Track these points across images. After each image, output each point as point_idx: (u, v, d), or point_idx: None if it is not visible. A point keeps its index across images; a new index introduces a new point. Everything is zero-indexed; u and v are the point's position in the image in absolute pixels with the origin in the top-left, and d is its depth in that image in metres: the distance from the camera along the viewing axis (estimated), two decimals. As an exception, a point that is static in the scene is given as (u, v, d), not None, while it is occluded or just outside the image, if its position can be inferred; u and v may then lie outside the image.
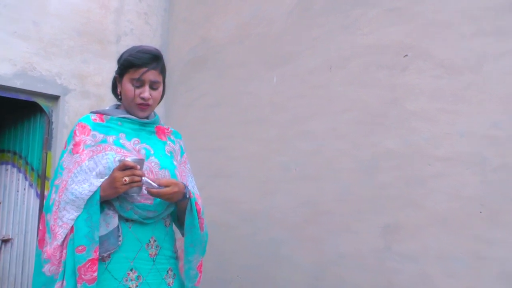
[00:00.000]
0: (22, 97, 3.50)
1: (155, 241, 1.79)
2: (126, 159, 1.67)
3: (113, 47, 3.92)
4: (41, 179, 3.61)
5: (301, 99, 2.98)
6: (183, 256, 1.89)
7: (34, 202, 3.67)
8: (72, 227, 1.65)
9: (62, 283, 1.63)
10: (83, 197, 1.66)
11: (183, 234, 1.94)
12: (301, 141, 2.94)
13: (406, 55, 2.46)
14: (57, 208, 1.69)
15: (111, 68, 3.75)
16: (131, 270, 1.72)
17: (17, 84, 3.37)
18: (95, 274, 1.61)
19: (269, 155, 3.14)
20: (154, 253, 1.78)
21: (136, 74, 1.80)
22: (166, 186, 1.70)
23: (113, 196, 1.68)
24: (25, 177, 3.82)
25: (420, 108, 2.36)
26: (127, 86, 1.82)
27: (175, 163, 1.92)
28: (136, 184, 1.65)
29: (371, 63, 2.61)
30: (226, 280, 3.30)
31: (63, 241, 1.65)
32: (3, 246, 3.88)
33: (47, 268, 1.66)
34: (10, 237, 3.83)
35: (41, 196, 3.60)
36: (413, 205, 2.33)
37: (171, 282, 1.83)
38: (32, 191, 3.70)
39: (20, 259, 3.69)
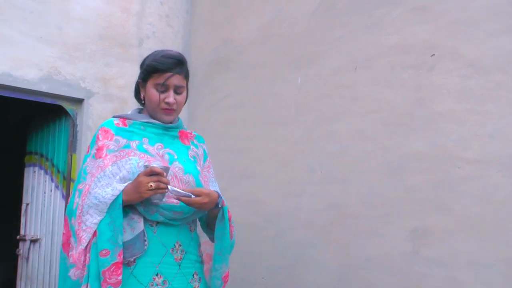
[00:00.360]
0: (48, 100, 3.55)
1: (180, 245, 1.80)
2: (153, 165, 1.67)
3: (135, 50, 3.93)
4: (66, 180, 3.66)
5: (326, 99, 2.94)
6: (210, 262, 1.89)
7: (60, 204, 3.72)
8: (95, 231, 1.66)
9: (87, 286, 1.64)
10: (105, 201, 1.66)
11: (211, 240, 1.94)
12: (326, 142, 2.90)
13: (433, 54, 2.40)
14: (81, 212, 1.70)
15: (134, 71, 3.77)
16: (157, 274, 1.72)
17: (43, 88, 3.42)
18: (120, 277, 1.62)
19: (294, 156, 3.11)
20: (179, 257, 1.78)
21: (161, 79, 1.79)
22: (197, 195, 1.70)
23: (137, 201, 1.68)
24: (52, 179, 3.87)
25: (448, 109, 2.30)
26: (152, 91, 1.82)
27: (198, 168, 1.92)
28: (161, 190, 1.65)
29: (396, 63, 2.56)
30: (251, 281, 3.29)
31: (87, 246, 1.66)
32: (31, 246, 3.95)
33: (72, 273, 1.68)
34: (38, 237, 3.89)
35: (67, 198, 3.65)
36: (441, 208, 2.28)
37: (197, 286, 1.84)
38: (58, 193, 3.75)
39: (48, 259, 3.75)
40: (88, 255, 1.66)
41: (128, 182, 1.71)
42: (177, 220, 1.79)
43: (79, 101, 3.67)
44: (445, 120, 2.31)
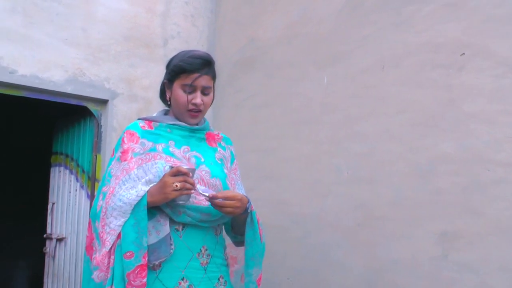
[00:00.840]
0: (73, 102, 3.60)
1: (206, 250, 1.78)
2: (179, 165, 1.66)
3: (160, 51, 3.94)
4: (91, 181, 3.70)
5: (352, 99, 2.90)
6: (236, 265, 1.88)
7: (85, 203, 3.76)
8: (119, 233, 1.65)
9: None
10: (130, 202, 1.65)
11: (236, 244, 1.92)
12: (353, 143, 2.86)
13: (463, 53, 2.34)
14: (105, 215, 1.69)
15: (159, 71, 3.78)
16: (182, 279, 1.71)
17: (68, 89, 3.46)
18: (145, 280, 1.61)
19: (320, 156, 3.08)
20: (205, 262, 1.77)
21: (188, 80, 1.77)
22: (231, 199, 1.68)
23: (162, 202, 1.66)
24: (77, 179, 3.91)
25: (479, 110, 2.24)
26: (179, 92, 1.79)
27: (225, 171, 1.90)
28: (186, 191, 1.63)
29: (425, 62, 2.51)
30: (276, 282, 3.27)
31: (111, 248, 1.65)
32: (57, 244, 4.00)
33: (96, 275, 1.67)
34: (64, 236, 3.94)
35: (91, 197, 3.69)
36: (471, 212, 2.22)
37: None
38: (83, 192, 3.79)
39: (73, 257, 3.80)
40: (112, 257, 1.65)
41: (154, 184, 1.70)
42: (205, 222, 1.77)
43: (103, 102, 3.70)
44: (476, 121, 2.24)
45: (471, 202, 2.23)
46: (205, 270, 1.76)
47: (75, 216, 3.86)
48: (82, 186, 3.82)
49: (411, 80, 2.57)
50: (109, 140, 3.63)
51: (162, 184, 1.63)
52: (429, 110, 2.46)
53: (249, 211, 1.79)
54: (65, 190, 4.05)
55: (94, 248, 1.73)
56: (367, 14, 2.87)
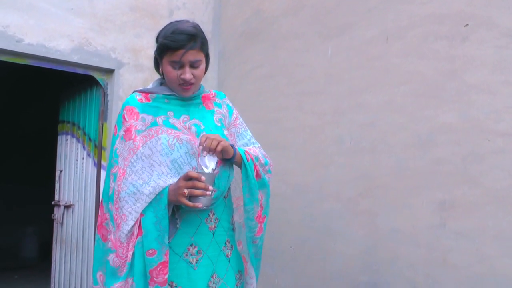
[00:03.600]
0: (79, 71, 3.63)
1: (214, 214, 1.80)
2: (190, 172, 1.64)
3: (166, 22, 3.83)
4: (98, 149, 3.75)
5: (356, 70, 2.92)
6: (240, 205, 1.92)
7: (92, 171, 3.81)
8: (135, 222, 1.67)
9: (131, 282, 1.67)
10: (144, 191, 1.67)
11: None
12: (356, 114, 2.89)
13: (467, 24, 2.34)
14: (118, 198, 1.70)
15: (164, 42, 3.79)
16: (191, 245, 1.74)
17: (74, 58, 3.49)
18: (166, 276, 1.64)
19: (324, 127, 3.11)
20: (213, 226, 1.80)
21: (174, 57, 1.74)
22: (202, 143, 1.67)
23: (177, 204, 1.68)
24: (83, 147, 3.96)
25: (481, 81, 2.26)
26: (168, 68, 1.78)
27: (225, 132, 1.91)
28: (197, 193, 1.61)
29: (429, 34, 2.51)
30: (279, 251, 3.34)
31: (128, 241, 1.68)
32: (65, 211, 4.07)
33: (111, 258, 1.70)
34: (71, 203, 4.01)
35: (98, 165, 3.74)
36: (470, 181, 2.26)
37: (229, 253, 1.86)
38: (90, 160, 3.84)
39: (81, 224, 3.87)
40: (130, 252, 1.67)
41: (164, 165, 1.71)
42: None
43: (109, 72, 3.74)
44: (478, 92, 2.26)
45: (470, 172, 2.26)
46: (213, 234, 1.79)
47: (82, 183, 3.92)
48: (89, 154, 3.87)
49: (415, 52, 2.58)
50: (115, 108, 3.68)
51: (176, 188, 1.64)
52: (431, 81, 2.48)
53: (235, 153, 1.78)
54: (72, 158, 4.10)
55: (108, 229, 1.75)
56: (373, -15, 2.86)
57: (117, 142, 1.80)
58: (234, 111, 2.02)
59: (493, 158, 2.18)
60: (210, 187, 1.62)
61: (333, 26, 3.11)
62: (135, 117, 1.79)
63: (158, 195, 1.67)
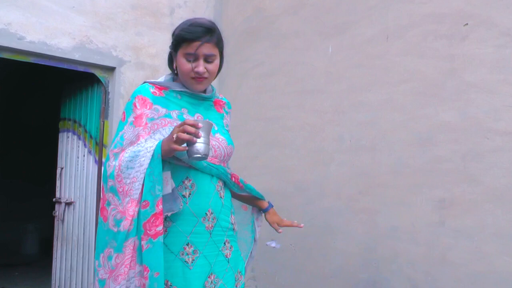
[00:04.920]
0: (81, 68, 3.65)
1: (211, 213, 1.79)
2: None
3: (167, 19, 3.96)
4: (99, 146, 3.77)
5: (356, 69, 2.93)
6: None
7: (93, 168, 3.83)
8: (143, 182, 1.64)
9: (134, 242, 1.63)
10: (146, 148, 1.65)
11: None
12: (356, 112, 2.90)
13: (466, 23, 2.36)
14: (119, 170, 1.68)
15: (165, 40, 3.82)
16: (187, 244, 1.73)
17: (76, 56, 3.50)
18: (159, 228, 1.61)
19: (324, 125, 3.13)
20: (210, 225, 1.78)
21: (189, 49, 1.75)
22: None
23: (169, 155, 1.63)
24: (84, 144, 3.97)
25: (480, 80, 2.27)
26: (182, 61, 1.77)
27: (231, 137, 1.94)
28: (184, 137, 1.54)
29: (429, 33, 2.53)
30: (279, 248, 3.35)
31: (137, 202, 1.64)
32: (66, 208, 4.08)
33: (122, 226, 1.65)
34: (72, 200, 4.02)
35: (99, 163, 3.75)
36: (469, 180, 2.28)
37: (228, 254, 1.84)
38: (91, 158, 3.85)
39: (82, 221, 3.89)
40: (136, 208, 1.64)
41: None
42: (215, 164, 1.80)
43: (111, 69, 3.75)
44: (477, 90, 2.28)
45: (469, 170, 2.28)
46: (210, 233, 1.77)
47: (83, 181, 3.93)
48: (90, 152, 3.88)
49: (415, 50, 2.59)
50: (117, 106, 3.70)
51: (169, 136, 1.61)
52: (431, 80, 2.49)
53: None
54: (73, 155, 4.11)
55: (113, 205, 1.69)
56: (373, -17, 2.87)
57: (125, 127, 1.78)
58: (229, 124, 2.05)
59: (492, 156, 2.19)
60: (201, 133, 1.55)
61: (333, 25, 3.12)
62: (148, 106, 1.77)
63: (152, 147, 1.65)
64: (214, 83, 4.01)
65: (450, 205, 2.35)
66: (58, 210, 4.17)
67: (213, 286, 1.77)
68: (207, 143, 1.58)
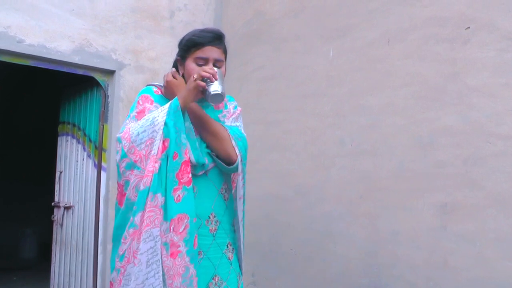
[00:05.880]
0: (80, 72, 3.63)
1: (214, 216, 1.82)
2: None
3: (167, 23, 3.95)
4: (98, 150, 3.75)
5: (357, 73, 2.92)
6: None
7: (92, 172, 3.81)
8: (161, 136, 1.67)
9: (157, 199, 1.63)
10: (152, 115, 1.71)
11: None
12: (357, 116, 2.89)
13: (468, 27, 2.35)
14: (130, 142, 1.70)
15: (165, 43, 3.82)
16: None
17: (75, 59, 3.50)
18: (190, 175, 1.68)
19: (325, 129, 3.11)
20: (214, 228, 1.82)
21: (200, 53, 1.83)
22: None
23: (191, 99, 1.73)
24: (84, 148, 3.96)
25: (482, 83, 2.26)
26: (191, 65, 1.84)
27: (227, 123, 1.97)
28: (205, 75, 1.70)
29: (430, 36, 2.52)
30: (280, 253, 3.34)
31: (156, 158, 1.66)
32: (65, 212, 4.07)
33: (145, 181, 1.65)
34: (71, 204, 4.00)
35: (98, 166, 3.74)
36: (471, 184, 2.26)
37: (230, 256, 1.88)
38: (90, 162, 3.84)
39: (80, 225, 3.87)
40: (157, 164, 1.65)
41: None
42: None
43: (110, 73, 3.74)
44: (479, 94, 2.27)
45: (471, 174, 2.26)
46: (213, 236, 1.81)
47: (82, 185, 3.91)
48: (89, 155, 3.87)
49: (416, 54, 2.58)
50: (116, 110, 3.68)
51: (188, 81, 1.75)
52: (432, 84, 2.48)
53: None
54: (72, 159, 4.09)
55: (132, 179, 1.69)
56: (374, -13, 2.87)
57: (128, 121, 1.84)
58: (238, 108, 2.09)
59: (494, 160, 2.18)
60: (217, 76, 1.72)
61: (334, 28, 3.11)
62: (150, 102, 1.86)
63: (164, 108, 1.72)
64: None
65: (451, 210, 2.33)
66: (57, 214, 4.15)
67: (217, 287, 1.80)
68: (223, 86, 1.74)
